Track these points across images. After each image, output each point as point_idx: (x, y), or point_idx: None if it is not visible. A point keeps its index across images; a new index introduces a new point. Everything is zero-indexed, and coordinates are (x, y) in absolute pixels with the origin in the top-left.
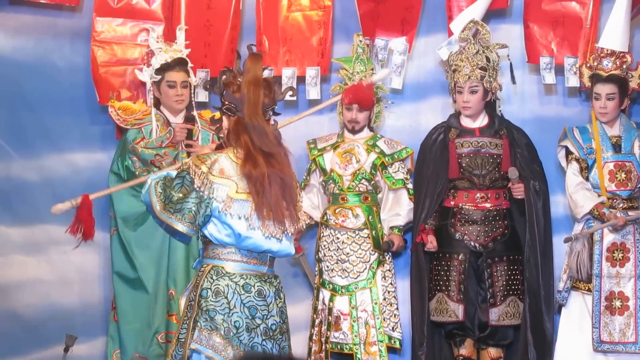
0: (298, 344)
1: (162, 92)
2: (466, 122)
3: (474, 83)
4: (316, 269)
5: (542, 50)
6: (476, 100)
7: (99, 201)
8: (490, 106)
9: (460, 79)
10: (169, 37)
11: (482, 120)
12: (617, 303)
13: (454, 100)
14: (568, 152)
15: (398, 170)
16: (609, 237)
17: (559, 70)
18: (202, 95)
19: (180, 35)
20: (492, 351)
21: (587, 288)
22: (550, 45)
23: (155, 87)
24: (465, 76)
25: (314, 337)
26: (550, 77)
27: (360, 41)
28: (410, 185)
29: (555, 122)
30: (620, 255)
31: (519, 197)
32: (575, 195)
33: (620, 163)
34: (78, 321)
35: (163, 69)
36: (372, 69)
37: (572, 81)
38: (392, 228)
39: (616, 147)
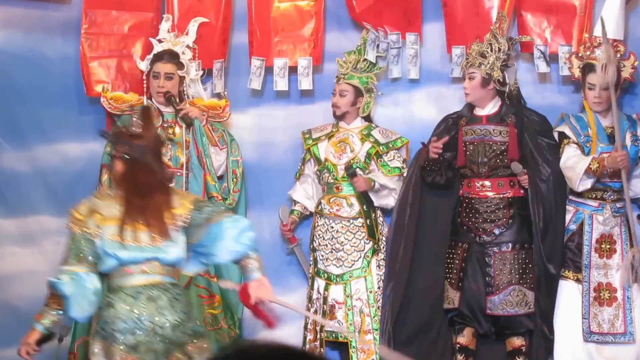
0: (293, 333)
1: (149, 82)
2: (477, 111)
3: (471, 69)
4: (311, 258)
5: (536, 39)
6: (473, 86)
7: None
8: (503, 95)
9: (463, 65)
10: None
11: (492, 109)
12: (606, 294)
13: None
14: (563, 137)
15: (394, 159)
16: (599, 229)
17: (553, 58)
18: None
19: (193, 27)
20: (514, 340)
21: (575, 278)
22: (544, 33)
23: (147, 76)
24: (465, 62)
25: (308, 326)
26: (543, 66)
27: (366, 32)
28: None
29: (550, 111)
30: (607, 246)
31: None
32: (567, 162)
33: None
34: None
35: (153, 60)
36: (365, 60)
37: (566, 70)
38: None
39: (610, 138)
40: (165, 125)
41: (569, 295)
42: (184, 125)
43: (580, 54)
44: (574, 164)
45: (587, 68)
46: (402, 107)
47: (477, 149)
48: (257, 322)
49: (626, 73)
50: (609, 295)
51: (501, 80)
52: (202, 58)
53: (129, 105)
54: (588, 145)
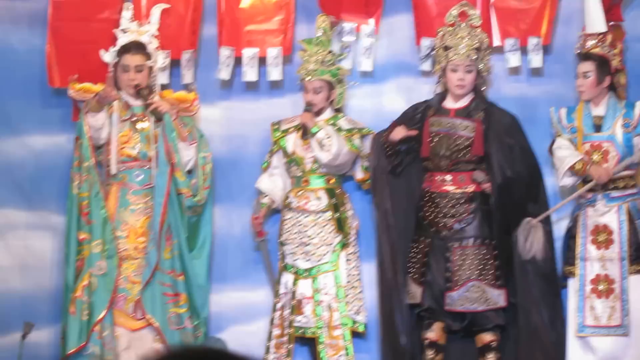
0: (259, 329)
1: (118, 75)
2: (447, 103)
3: (469, 62)
4: (279, 252)
5: (506, 32)
6: (471, 79)
7: (59, 181)
8: (477, 89)
9: (456, 57)
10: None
11: (463, 103)
12: (603, 286)
13: (439, 79)
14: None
15: (357, 139)
16: (592, 220)
17: (522, 51)
18: (162, 77)
19: (156, 14)
20: (484, 336)
21: (569, 271)
22: (514, 27)
23: (115, 68)
24: (463, 55)
25: (275, 321)
26: (515, 59)
27: (323, 21)
28: (367, 164)
29: (519, 103)
30: (604, 237)
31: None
32: (557, 152)
33: (596, 144)
34: (36, 308)
35: (120, 51)
36: (330, 52)
37: (536, 62)
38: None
39: (597, 127)
40: (134, 118)
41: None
42: (152, 119)
43: (579, 45)
44: (561, 157)
45: (577, 57)
46: (371, 100)
47: (441, 142)
48: (223, 321)
49: (615, 62)
50: (606, 287)
51: (489, 74)
52: (172, 48)
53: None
54: (574, 136)
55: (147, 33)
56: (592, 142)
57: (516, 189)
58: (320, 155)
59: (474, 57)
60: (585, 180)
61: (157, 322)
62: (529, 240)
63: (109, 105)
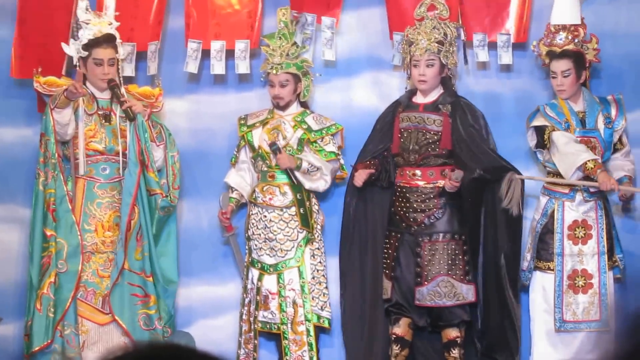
0: (227, 323)
1: (89, 69)
2: (416, 98)
3: (430, 56)
4: (246, 247)
5: (475, 27)
6: (432, 74)
7: (27, 174)
8: (446, 83)
9: (417, 52)
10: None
11: (432, 97)
12: (580, 281)
13: (409, 76)
14: (541, 130)
15: (329, 143)
16: (571, 215)
17: (491, 46)
18: (128, 70)
19: (111, 4)
20: (449, 331)
21: (547, 267)
22: (483, 22)
23: (82, 62)
24: (422, 49)
25: (243, 317)
26: (483, 55)
27: (284, 14)
28: (343, 161)
29: (488, 99)
30: (582, 232)
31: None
32: (567, 147)
33: (585, 139)
34: (3, 301)
35: (90, 45)
36: (294, 44)
37: (505, 58)
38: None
39: (582, 123)
40: (100, 112)
41: (539, 287)
42: (118, 114)
43: (545, 41)
44: (574, 152)
45: (550, 55)
46: (340, 93)
47: (410, 137)
48: (191, 315)
49: (590, 56)
50: (584, 282)
51: (456, 66)
52: (137, 41)
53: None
54: (569, 132)
55: (111, 25)
56: (581, 137)
57: (482, 182)
58: (315, 186)
59: (435, 51)
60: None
61: (124, 323)
62: (509, 193)
63: (74, 100)
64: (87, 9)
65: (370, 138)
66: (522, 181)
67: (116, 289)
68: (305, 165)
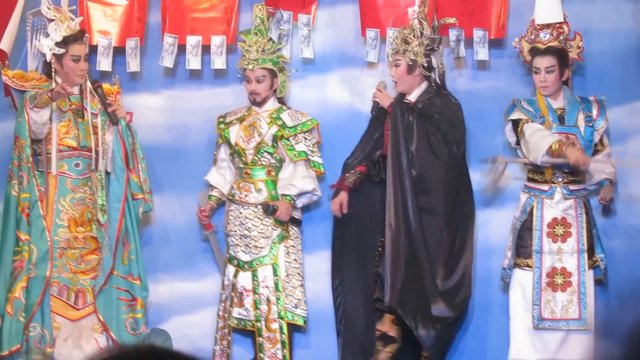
0: (202, 319)
1: (65, 65)
2: (406, 98)
3: (396, 56)
4: (226, 243)
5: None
6: (400, 74)
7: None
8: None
9: (388, 52)
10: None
11: (414, 97)
12: (559, 279)
13: None
14: (518, 122)
15: (300, 142)
16: (550, 213)
17: (468, 42)
18: (104, 64)
19: None
20: None
21: (525, 264)
22: (460, 17)
23: (56, 59)
24: (388, 50)
25: (219, 313)
26: (460, 50)
27: (260, 10)
28: (315, 158)
29: (465, 96)
30: (561, 230)
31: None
32: (533, 137)
33: (564, 134)
34: None
35: (65, 42)
36: (270, 40)
37: (482, 54)
38: (283, 195)
39: (561, 119)
40: (73, 107)
41: (518, 284)
42: (89, 109)
43: (527, 38)
44: (538, 139)
45: (534, 51)
46: (315, 90)
47: None
48: (166, 311)
49: (574, 54)
50: (563, 280)
51: (425, 65)
52: (118, 36)
53: (33, 84)
54: (544, 126)
55: (74, 20)
56: (560, 132)
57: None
58: (310, 201)
59: (400, 51)
60: None
61: (111, 329)
62: (491, 173)
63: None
64: (49, 6)
65: (362, 139)
66: (505, 164)
67: (103, 293)
68: (296, 201)
